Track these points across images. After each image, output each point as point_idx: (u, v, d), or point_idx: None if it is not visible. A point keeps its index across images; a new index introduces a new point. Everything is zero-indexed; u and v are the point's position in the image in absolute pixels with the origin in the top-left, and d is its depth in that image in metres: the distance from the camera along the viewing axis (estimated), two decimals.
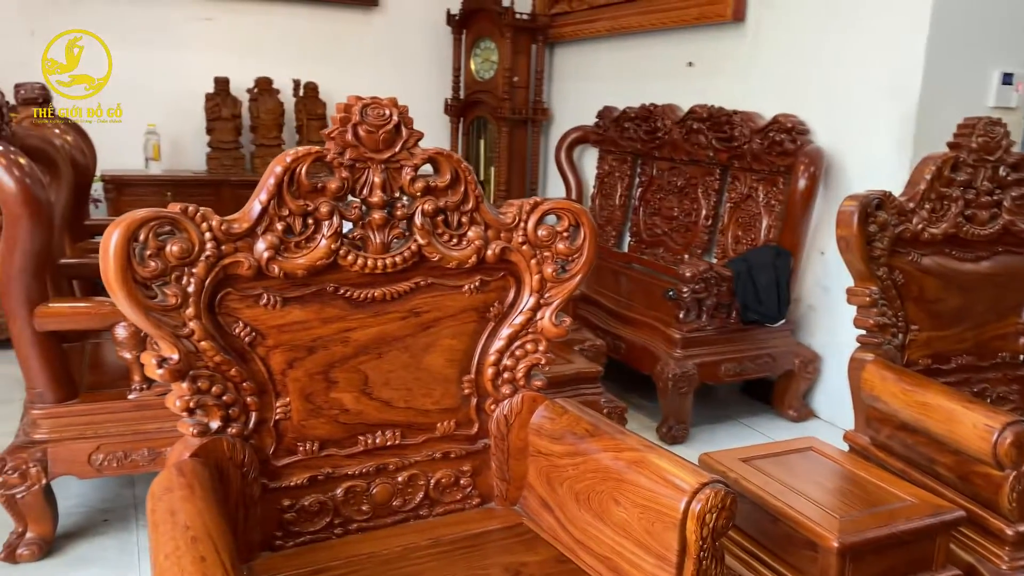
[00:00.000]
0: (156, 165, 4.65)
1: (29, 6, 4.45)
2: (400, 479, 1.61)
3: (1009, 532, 1.69)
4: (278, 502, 1.50)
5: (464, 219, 1.57)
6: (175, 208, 1.34)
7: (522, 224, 1.61)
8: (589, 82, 4.95)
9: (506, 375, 1.67)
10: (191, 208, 1.35)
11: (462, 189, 1.55)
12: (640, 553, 1.39)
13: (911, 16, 2.94)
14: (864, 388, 1.99)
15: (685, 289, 3.08)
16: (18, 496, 2.14)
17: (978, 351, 2.22)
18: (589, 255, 1.65)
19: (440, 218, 1.55)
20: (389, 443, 1.59)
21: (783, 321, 3.26)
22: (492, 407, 1.67)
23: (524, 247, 1.62)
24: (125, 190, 4.44)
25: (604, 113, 4.58)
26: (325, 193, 1.44)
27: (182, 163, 4.89)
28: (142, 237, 1.30)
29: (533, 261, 1.63)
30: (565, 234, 1.64)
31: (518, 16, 4.92)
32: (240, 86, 4.84)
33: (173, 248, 1.33)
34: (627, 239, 4.28)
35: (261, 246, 1.40)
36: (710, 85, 3.93)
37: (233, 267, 1.39)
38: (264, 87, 4.88)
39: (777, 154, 3.36)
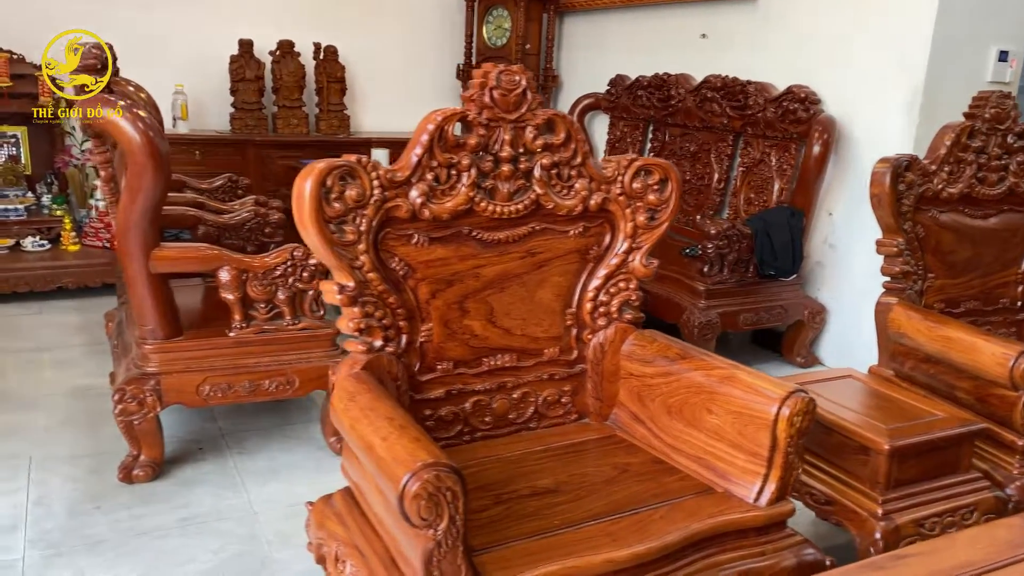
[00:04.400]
0: (183, 124, 4.79)
1: None
2: (515, 396, 1.87)
3: (1020, 443, 2.01)
4: (420, 412, 1.76)
5: (573, 172, 1.82)
6: (351, 158, 1.57)
7: (620, 177, 1.87)
8: (599, 51, 5.17)
9: (602, 309, 1.93)
10: (363, 159, 1.58)
11: (573, 146, 1.80)
12: (733, 452, 1.67)
13: None
14: (891, 327, 2.28)
15: (710, 245, 3.36)
16: (135, 422, 2.37)
17: (983, 297, 2.53)
18: (674, 205, 1.91)
19: (554, 171, 1.80)
20: (507, 365, 1.86)
21: (795, 276, 3.56)
22: (589, 336, 1.94)
23: (621, 198, 1.87)
24: None
25: (616, 81, 4.82)
26: (466, 148, 1.68)
27: (205, 123, 5.03)
28: (329, 183, 1.53)
29: (628, 210, 1.89)
30: (655, 187, 1.89)
31: None
32: (263, 49, 4.97)
33: (351, 192, 1.56)
34: None
35: (415, 193, 1.64)
36: (721, 57, 4.19)
37: (393, 210, 1.63)
38: (286, 50, 5.02)
39: (790, 122, 3.64)
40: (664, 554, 1.48)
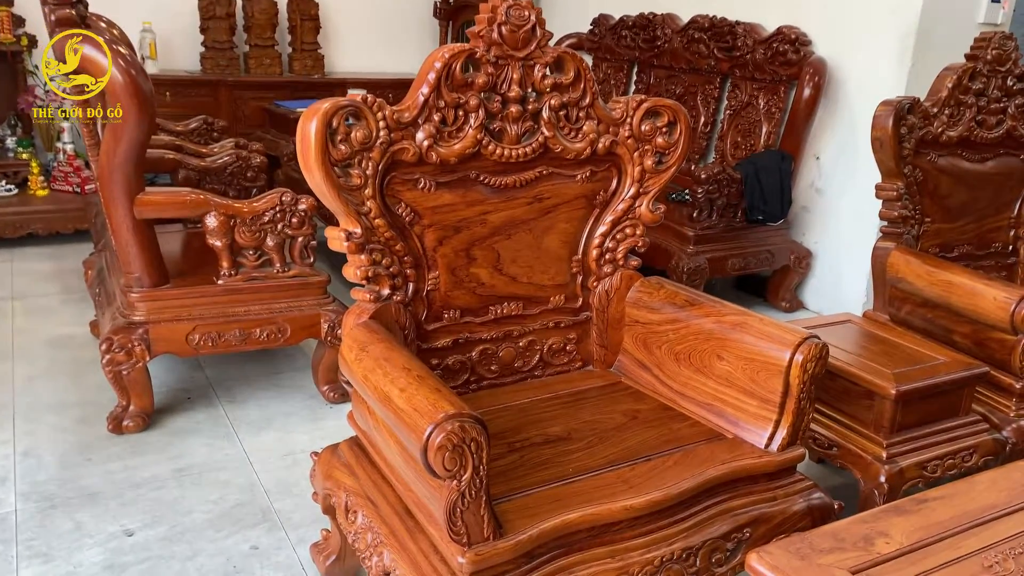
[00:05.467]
0: (152, 64, 4.61)
1: None
2: (521, 344, 1.85)
3: (1018, 386, 2.03)
4: (428, 361, 1.72)
5: (581, 114, 1.76)
6: (357, 97, 1.50)
7: (628, 119, 1.81)
8: None
9: (608, 256, 1.90)
10: (370, 98, 1.51)
11: (582, 86, 1.74)
12: (743, 398, 1.66)
13: None
14: (890, 271, 2.28)
15: (700, 190, 3.33)
16: (124, 372, 2.31)
17: (977, 241, 2.54)
18: (683, 149, 1.87)
19: (562, 113, 1.74)
20: (513, 313, 1.82)
21: (783, 220, 3.56)
22: (595, 283, 1.91)
23: (629, 141, 1.82)
24: None
25: (600, 20, 4.72)
26: (473, 87, 1.62)
27: (175, 63, 4.85)
28: (335, 123, 1.46)
29: (636, 154, 1.84)
30: (664, 129, 1.85)
31: None
32: None
33: (357, 134, 1.49)
34: None
35: (421, 135, 1.58)
36: None
37: (400, 153, 1.57)
38: None
39: (780, 64, 3.58)
40: (680, 500, 1.48)
